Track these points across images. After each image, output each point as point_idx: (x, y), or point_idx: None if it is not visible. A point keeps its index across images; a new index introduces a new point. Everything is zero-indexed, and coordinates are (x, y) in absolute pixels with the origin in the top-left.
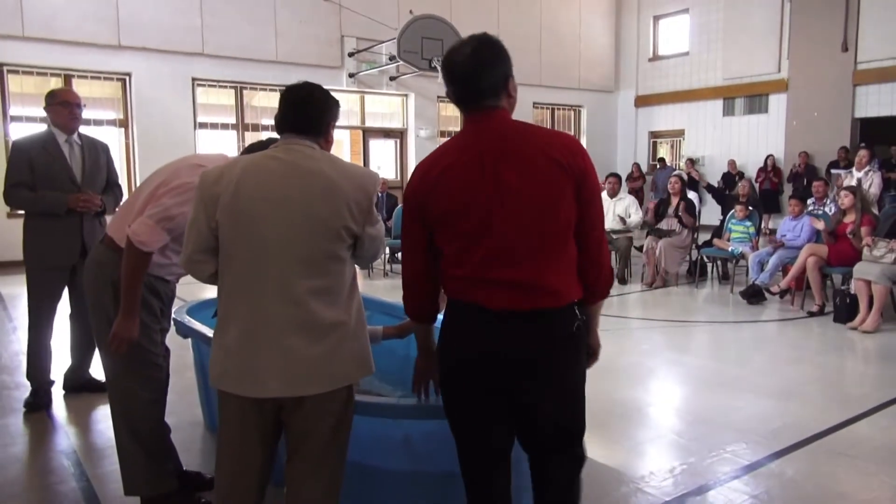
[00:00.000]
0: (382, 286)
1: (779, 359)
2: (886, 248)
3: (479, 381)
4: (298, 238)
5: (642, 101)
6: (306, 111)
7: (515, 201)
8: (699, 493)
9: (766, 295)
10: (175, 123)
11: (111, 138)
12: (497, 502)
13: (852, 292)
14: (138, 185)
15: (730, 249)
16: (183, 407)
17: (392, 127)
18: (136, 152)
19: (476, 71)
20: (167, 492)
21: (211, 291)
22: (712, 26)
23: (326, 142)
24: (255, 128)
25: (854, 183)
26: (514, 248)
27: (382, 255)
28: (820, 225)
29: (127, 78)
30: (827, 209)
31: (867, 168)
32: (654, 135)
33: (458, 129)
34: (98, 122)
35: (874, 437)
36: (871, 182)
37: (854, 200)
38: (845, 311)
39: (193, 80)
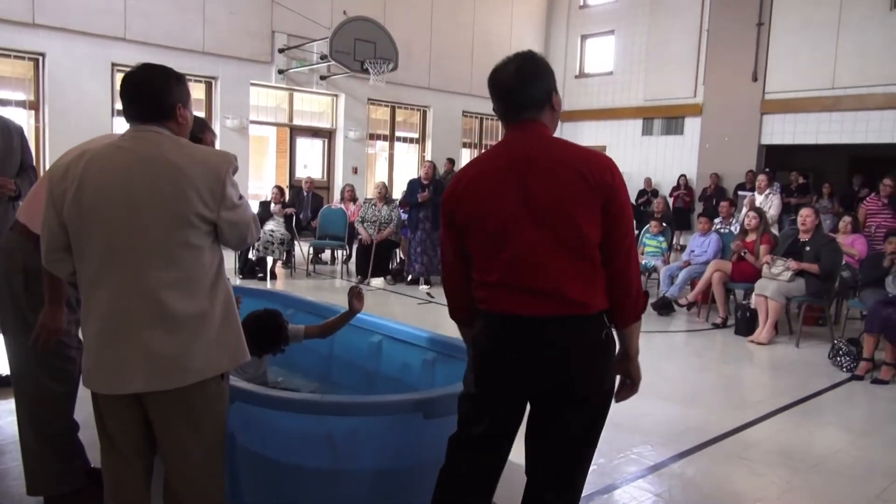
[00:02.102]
0: (305, 286)
1: (685, 367)
2: (783, 266)
3: (508, 383)
4: (145, 229)
5: (568, 116)
6: (146, 98)
7: (538, 212)
8: (607, 491)
9: (675, 307)
10: (91, 109)
11: (19, 120)
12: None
13: (752, 307)
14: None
15: (643, 263)
16: (90, 404)
17: (321, 126)
18: (47, 137)
19: (517, 87)
20: (73, 489)
21: None
22: (635, 49)
23: (178, 124)
24: None
25: (757, 204)
26: (536, 256)
27: (307, 254)
28: (735, 246)
29: (40, 58)
30: (733, 228)
31: (767, 191)
32: None
33: (386, 131)
34: (5, 103)
35: (766, 441)
36: (771, 204)
37: (759, 223)
38: (745, 324)
39: (113, 65)
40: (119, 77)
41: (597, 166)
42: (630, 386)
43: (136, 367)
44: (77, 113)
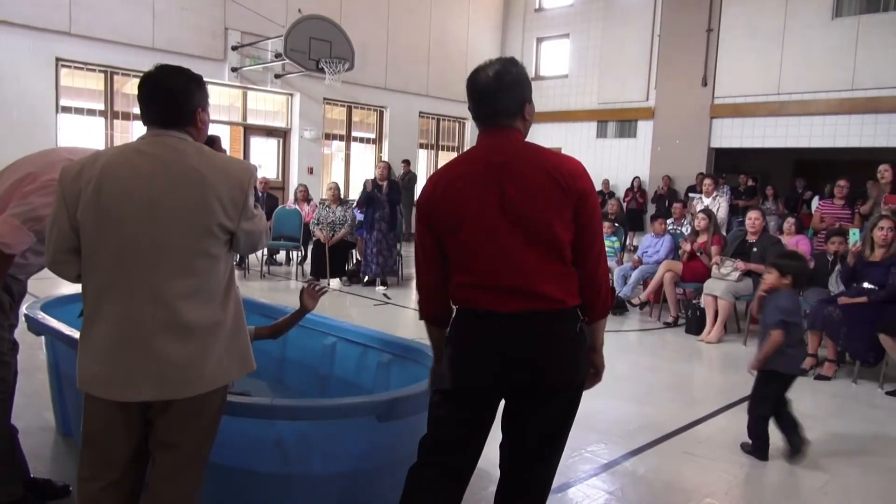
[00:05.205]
0: (259, 287)
1: (638, 366)
2: (732, 266)
3: (486, 376)
4: (167, 238)
5: None
6: (166, 103)
7: (515, 215)
8: (561, 490)
9: (628, 306)
10: (34, 105)
11: None
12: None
13: (702, 306)
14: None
15: None
16: (32, 410)
17: (275, 126)
18: None
19: (495, 92)
20: (11, 500)
21: (68, 287)
22: (590, 53)
23: (197, 129)
24: (126, 116)
25: (704, 206)
26: (513, 258)
27: (261, 255)
28: (687, 246)
29: None
30: (684, 229)
31: (715, 194)
32: None
33: (342, 131)
34: None
35: (714, 437)
36: (719, 206)
37: (709, 223)
38: (696, 323)
39: (57, 59)
40: (63, 72)
41: (570, 173)
42: (594, 375)
43: (148, 376)
44: (18, 109)
